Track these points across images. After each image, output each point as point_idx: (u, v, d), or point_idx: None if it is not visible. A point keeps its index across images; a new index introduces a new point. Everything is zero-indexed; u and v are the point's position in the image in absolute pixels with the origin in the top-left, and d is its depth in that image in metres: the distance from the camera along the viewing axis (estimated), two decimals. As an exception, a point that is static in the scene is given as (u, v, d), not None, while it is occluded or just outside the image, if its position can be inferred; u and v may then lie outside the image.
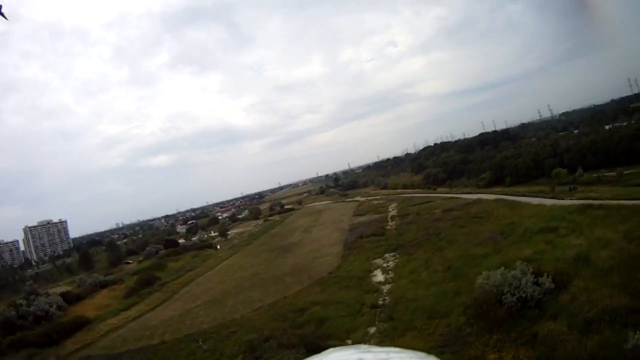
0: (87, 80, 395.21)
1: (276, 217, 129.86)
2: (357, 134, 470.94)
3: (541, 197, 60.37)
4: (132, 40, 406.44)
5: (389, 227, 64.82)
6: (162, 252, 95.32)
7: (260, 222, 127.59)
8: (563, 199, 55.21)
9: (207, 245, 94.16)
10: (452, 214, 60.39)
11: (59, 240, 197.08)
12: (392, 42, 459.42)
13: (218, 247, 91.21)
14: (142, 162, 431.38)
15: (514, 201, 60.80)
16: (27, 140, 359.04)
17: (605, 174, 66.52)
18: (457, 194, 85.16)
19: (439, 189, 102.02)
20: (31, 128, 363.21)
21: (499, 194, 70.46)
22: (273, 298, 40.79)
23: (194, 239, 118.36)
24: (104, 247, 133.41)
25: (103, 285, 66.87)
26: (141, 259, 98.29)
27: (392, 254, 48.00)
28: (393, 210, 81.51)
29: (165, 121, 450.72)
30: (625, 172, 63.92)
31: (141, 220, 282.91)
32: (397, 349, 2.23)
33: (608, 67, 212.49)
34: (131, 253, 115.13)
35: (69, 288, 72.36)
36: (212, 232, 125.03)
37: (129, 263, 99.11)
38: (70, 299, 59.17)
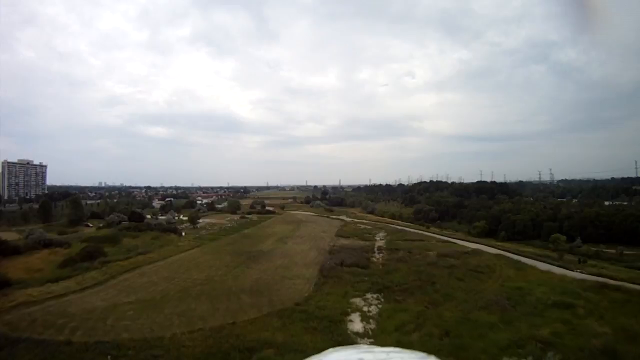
0: (106, 34, 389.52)
1: (254, 217, 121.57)
2: (354, 154, 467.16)
3: (549, 263, 55.14)
4: (160, 6, 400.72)
5: (375, 259, 56.29)
6: (125, 223, 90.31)
7: (236, 217, 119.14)
8: (573, 271, 50.70)
9: (172, 229, 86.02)
10: (449, 262, 52.59)
11: (34, 183, 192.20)
12: (410, 72, 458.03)
13: (183, 233, 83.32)
14: (139, 128, 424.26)
15: (518, 261, 54.79)
16: (33, 76, 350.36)
17: (605, 250, 65.12)
18: (452, 238, 77.79)
19: (431, 229, 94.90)
20: (40, 66, 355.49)
21: (499, 249, 64.84)
22: (220, 320, 31.88)
23: (162, 217, 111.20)
24: (66, 202, 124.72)
25: (47, 244, 62.42)
26: (102, 224, 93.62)
27: (375, 295, 39.35)
28: (381, 240, 73.33)
29: (171, 94, 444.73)
30: (626, 251, 62.90)
31: (124, 185, 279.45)
32: (397, 349, 2.23)
33: (613, 145, 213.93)
34: (95, 216, 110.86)
35: (17, 237, 69.02)
36: (183, 216, 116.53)
37: (88, 226, 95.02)
38: (6, 250, 54.86)
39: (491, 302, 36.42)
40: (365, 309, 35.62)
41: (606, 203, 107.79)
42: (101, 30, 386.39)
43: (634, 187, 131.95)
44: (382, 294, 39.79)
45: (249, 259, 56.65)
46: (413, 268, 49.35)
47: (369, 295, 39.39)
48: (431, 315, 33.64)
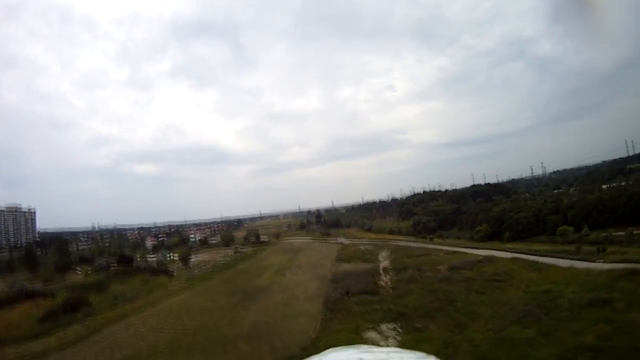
0: (87, 73, 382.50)
1: (248, 250, 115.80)
2: (344, 173, 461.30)
3: (567, 258, 51.34)
4: (138, 42, 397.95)
5: (383, 283, 51.72)
6: (114, 267, 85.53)
7: (230, 251, 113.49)
8: (595, 262, 47.33)
9: (162, 270, 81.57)
10: (463, 274, 48.38)
11: (24, 230, 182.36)
12: (391, 86, 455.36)
13: (175, 273, 79.24)
14: (127, 167, 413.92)
15: (536, 262, 50.69)
16: (17, 119, 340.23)
17: (614, 234, 62.00)
18: (458, 247, 73.49)
19: (435, 240, 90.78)
20: (23, 108, 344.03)
21: (510, 252, 60.77)
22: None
23: (153, 257, 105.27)
24: (51, 250, 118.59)
25: (30, 295, 58.64)
26: (90, 270, 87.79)
27: (391, 325, 34.98)
28: (385, 260, 68.76)
29: (156, 130, 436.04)
30: (636, 232, 59.53)
31: (118, 225, 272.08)
32: (397, 349, 2.37)
33: (599, 129, 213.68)
34: (85, 261, 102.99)
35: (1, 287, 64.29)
36: (174, 255, 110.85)
37: (77, 272, 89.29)
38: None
39: (522, 314, 32.51)
40: (382, 343, 31.11)
41: (604, 187, 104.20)
42: (82, 69, 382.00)
43: (628, 167, 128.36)
44: (398, 322, 35.49)
45: (245, 298, 51.65)
46: (426, 287, 44.95)
47: (383, 327, 34.98)
48: (459, 341, 29.36)
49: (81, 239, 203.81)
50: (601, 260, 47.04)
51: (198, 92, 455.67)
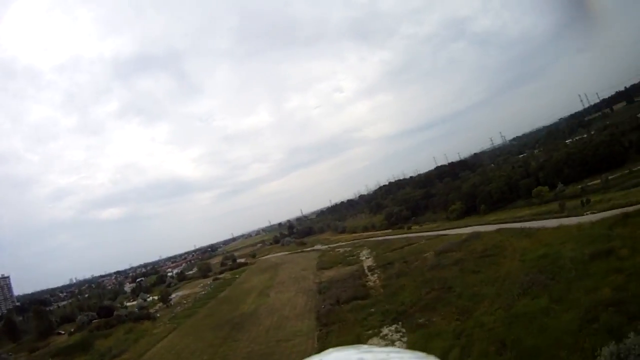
0: (37, 126, 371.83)
1: (227, 275, 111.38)
2: (307, 181, 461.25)
3: (553, 218, 49.82)
4: (82, 86, 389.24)
5: (371, 283, 48.56)
6: (95, 321, 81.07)
7: (209, 281, 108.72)
8: (584, 215, 45.91)
9: (145, 315, 76.52)
10: (452, 257, 45.89)
11: (2, 298, 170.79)
12: (338, 88, 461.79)
13: (157, 315, 74.97)
14: (93, 214, 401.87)
15: (523, 229, 48.38)
16: None
17: (589, 184, 63.05)
18: (439, 230, 71.96)
19: (412, 228, 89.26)
20: None
21: (493, 224, 58.62)
22: None
23: (133, 303, 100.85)
24: (31, 314, 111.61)
25: None
26: (73, 329, 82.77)
27: (394, 327, 31.92)
28: (367, 258, 65.87)
29: (114, 172, 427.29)
30: (610, 177, 60.89)
31: (95, 275, 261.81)
32: (397, 349, 2.24)
33: (550, 90, 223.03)
34: (66, 320, 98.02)
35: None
36: (154, 296, 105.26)
37: (60, 334, 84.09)
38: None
39: (527, 284, 30.10)
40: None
41: (567, 142, 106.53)
42: (31, 123, 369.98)
43: (586, 119, 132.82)
44: (400, 322, 32.45)
45: (233, 329, 47.53)
46: (418, 278, 42.13)
47: (386, 330, 31.92)
48: (471, 328, 26.61)
49: (60, 295, 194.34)
50: (589, 212, 45.79)
51: (149, 127, 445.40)
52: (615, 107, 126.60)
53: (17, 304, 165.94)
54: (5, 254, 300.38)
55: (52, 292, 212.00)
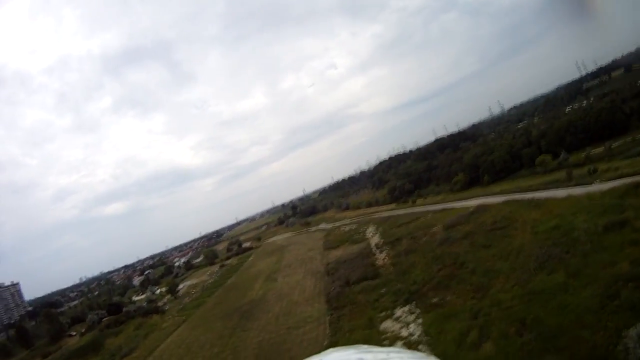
0: (32, 130, 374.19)
1: (233, 261, 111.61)
2: (307, 160, 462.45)
3: (562, 187, 48.31)
4: (73, 85, 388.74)
5: (380, 262, 47.92)
6: (105, 319, 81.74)
7: (216, 268, 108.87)
8: (592, 184, 44.41)
9: (153, 309, 76.86)
10: (461, 230, 45.06)
11: (13, 305, 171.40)
12: (331, 64, 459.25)
13: (166, 307, 75.06)
14: (96, 211, 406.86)
15: (532, 199, 47.16)
16: None
17: (592, 152, 61.25)
18: (445, 202, 71.05)
19: (417, 202, 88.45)
20: None
21: (500, 195, 57.57)
22: None
23: (142, 297, 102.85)
24: (42, 318, 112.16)
25: None
26: (84, 329, 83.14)
27: (407, 307, 31.23)
28: (374, 235, 65.23)
29: (114, 167, 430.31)
30: (614, 145, 58.99)
31: (103, 272, 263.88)
32: (397, 349, 2.23)
33: (546, 58, 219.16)
34: (77, 321, 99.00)
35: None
36: (162, 287, 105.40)
37: (71, 335, 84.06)
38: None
39: (541, 258, 29.17)
40: (404, 332, 27.41)
41: (567, 110, 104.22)
42: (26, 127, 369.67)
43: (584, 86, 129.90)
44: (413, 303, 31.71)
45: (242, 317, 47.15)
46: (429, 255, 41.41)
47: (399, 311, 31.24)
48: (487, 307, 25.81)
49: (71, 296, 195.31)
50: (597, 181, 44.38)
51: (145, 119, 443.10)
52: (613, 75, 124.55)
53: (29, 308, 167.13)
54: (13, 261, 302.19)
55: (63, 293, 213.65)
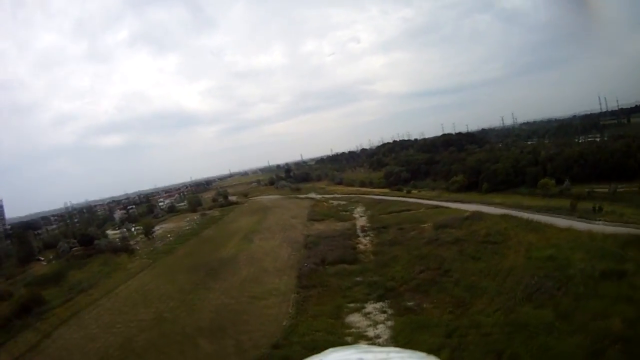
0: (44, 53, 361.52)
1: (215, 212, 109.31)
2: (312, 127, 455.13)
3: (563, 216, 46.46)
4: (93, 14, 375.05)
5: (362, 247, 46.06)
6: (75, 249, 78.01)
7: (196, 216, 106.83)
8: (594, 222, 42.42)
9: (123, 247, 74.43)
10: (452, 234, 42.96)
11: None
12: (355, 38, 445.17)
13: (137, 248, 73.25)
14: (94, 140, 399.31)
15: (530, 220, 45.19)
16: None
17: (596, 189, 59.32)
18: (440, 200, 69.31)
19: (412, 193, 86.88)
20: None
21: (499, 207, 55.75)
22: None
23: (117, 232, 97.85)
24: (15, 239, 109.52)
25: None
26: (52, 256, 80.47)
27: (379, 304, 29.34)
28: (361, 217, 63.32)
29: (120, 100, 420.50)
30: (619, 189, 57.10)
31: (90, 201, 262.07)
32: (397, 349, 2.26)
33: (569, 83, 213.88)
34: (50, 246, 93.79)
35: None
36: (140, 226, 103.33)
37: (40, 260, 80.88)
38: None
39: (531, 288, 27.26)
40: (370, 332, 25.52)
41: (579, 140, 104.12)
42: (39, 50, 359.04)
43: (601, 122, 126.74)
44: (386, 301, 29.83)
45: (208, 274, 45.14)
46: (413, 252, 39.43)
47: (369, 307, 29.29)
48: (465, 327, 23.95)
49: (52, 220, 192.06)
50: (601, 221, 42.54)
51: (158, 58, 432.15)
52: (632, 119, 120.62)
53: (8, 227, 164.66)
54: (1, 178, 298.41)
55: (45, 217, 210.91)
